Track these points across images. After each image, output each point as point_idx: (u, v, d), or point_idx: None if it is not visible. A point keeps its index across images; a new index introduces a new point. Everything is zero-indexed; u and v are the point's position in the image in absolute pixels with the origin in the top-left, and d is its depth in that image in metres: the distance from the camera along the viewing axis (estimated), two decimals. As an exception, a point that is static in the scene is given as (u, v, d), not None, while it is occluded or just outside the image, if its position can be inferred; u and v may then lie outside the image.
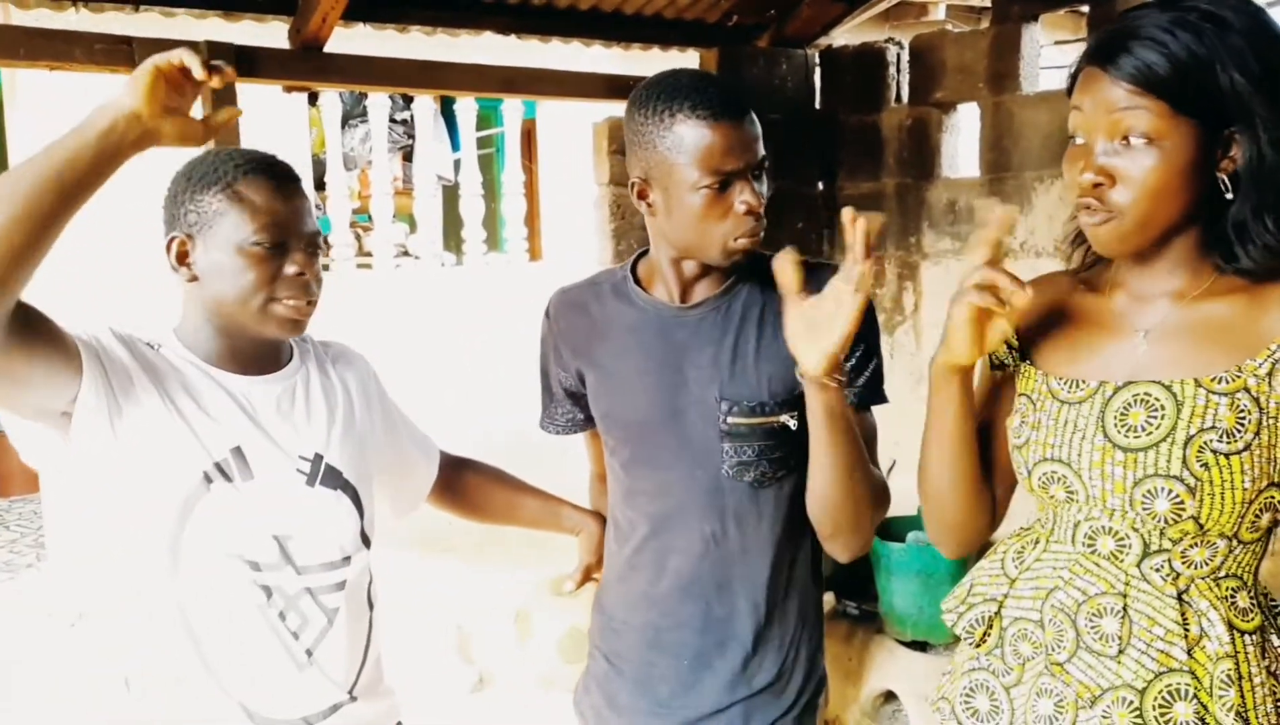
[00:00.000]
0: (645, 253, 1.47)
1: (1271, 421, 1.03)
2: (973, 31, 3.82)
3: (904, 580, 2.88)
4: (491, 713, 3.35)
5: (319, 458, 1.35)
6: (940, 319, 1.11)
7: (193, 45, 2.81)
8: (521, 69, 3.52)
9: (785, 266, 1.18)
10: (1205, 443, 1.02)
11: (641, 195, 1.36)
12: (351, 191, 6.30)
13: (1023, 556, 1.19)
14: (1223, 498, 1.03)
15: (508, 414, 3.12)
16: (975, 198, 3.50)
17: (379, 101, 5.60)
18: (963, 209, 3.54)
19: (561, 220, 6.46)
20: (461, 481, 1.65)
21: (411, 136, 6.34)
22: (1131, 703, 1.06)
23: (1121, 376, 1.09)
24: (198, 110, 1.15)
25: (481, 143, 6.39)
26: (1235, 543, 1.07)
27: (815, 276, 1.22)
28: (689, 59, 3.75)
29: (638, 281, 1.45)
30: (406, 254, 6.29)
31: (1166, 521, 1.05)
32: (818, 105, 3.88)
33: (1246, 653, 1.06)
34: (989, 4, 3.58)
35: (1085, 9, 3.32)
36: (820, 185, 3.89)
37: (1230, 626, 1.06)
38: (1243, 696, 1.04)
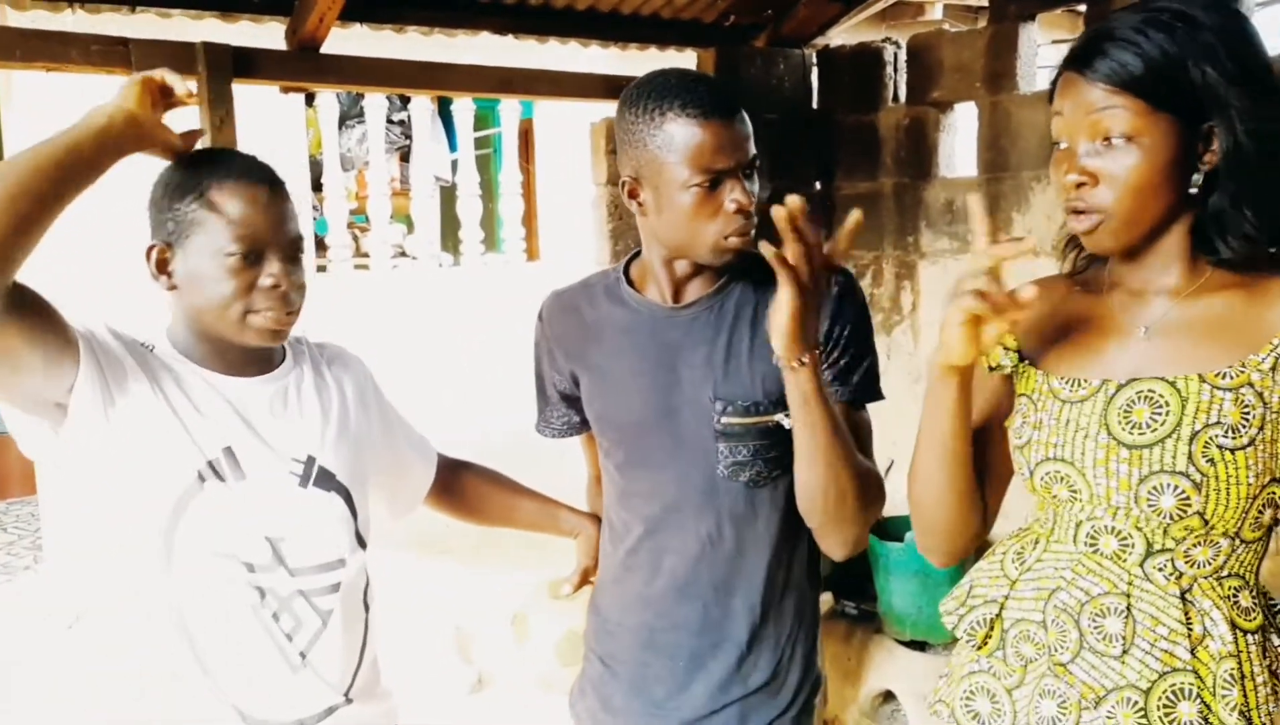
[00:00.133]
0: (638, 254, 1.46)
1: (1275, 416, 1.03)
2: (970, 31, 3.81)
3: (902, 580, 2.88)
4: (490, 715, 3.34)
5: (311, 459, 1.35)
6: (938, 318, 1.11)
7: (189, 47, 2.82)
8: (519, 69, 3.51)
9: (783, 206, 1.12)
10: (1211, 438, 1.02)
11: (632, 194, 1.35)
12: (349, 192, 6.30)
13: (1022, 557, 1.19)
14: (1228, 493, 1.04)
15: (505, 415, 3.11)
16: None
17: (376, 102, 5.61)
18: (960, 209, 3.53)
19: (559, 220, 6.44)
20: (459, 483, 1.65)
21: (409, 137, 6.34)
22: (1136, 703, 1.06)
23: (1124, 374, 1.09)
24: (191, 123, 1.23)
25: (479, 143, 6.40)
26: (1238, 541, 1.07)
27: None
28: (686, 59, 3.74)
29: (630, 282, 1.45)
30: (404, 255, 6.29)
31: (1171, 518, 1.05)
32: (815, 105, 3.87)
33: (1249, 652, 1.07)
34: (986, 3, 3.57)
35: (1082, 8, 3.31)
36: (818, 185, 3.88)
37: (1233, 626, 1.07)
38: (1245, 696, 1.05)
